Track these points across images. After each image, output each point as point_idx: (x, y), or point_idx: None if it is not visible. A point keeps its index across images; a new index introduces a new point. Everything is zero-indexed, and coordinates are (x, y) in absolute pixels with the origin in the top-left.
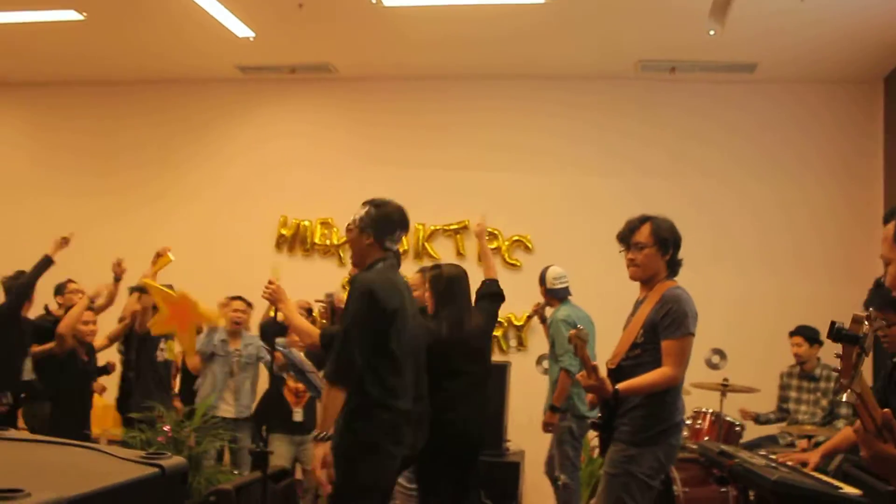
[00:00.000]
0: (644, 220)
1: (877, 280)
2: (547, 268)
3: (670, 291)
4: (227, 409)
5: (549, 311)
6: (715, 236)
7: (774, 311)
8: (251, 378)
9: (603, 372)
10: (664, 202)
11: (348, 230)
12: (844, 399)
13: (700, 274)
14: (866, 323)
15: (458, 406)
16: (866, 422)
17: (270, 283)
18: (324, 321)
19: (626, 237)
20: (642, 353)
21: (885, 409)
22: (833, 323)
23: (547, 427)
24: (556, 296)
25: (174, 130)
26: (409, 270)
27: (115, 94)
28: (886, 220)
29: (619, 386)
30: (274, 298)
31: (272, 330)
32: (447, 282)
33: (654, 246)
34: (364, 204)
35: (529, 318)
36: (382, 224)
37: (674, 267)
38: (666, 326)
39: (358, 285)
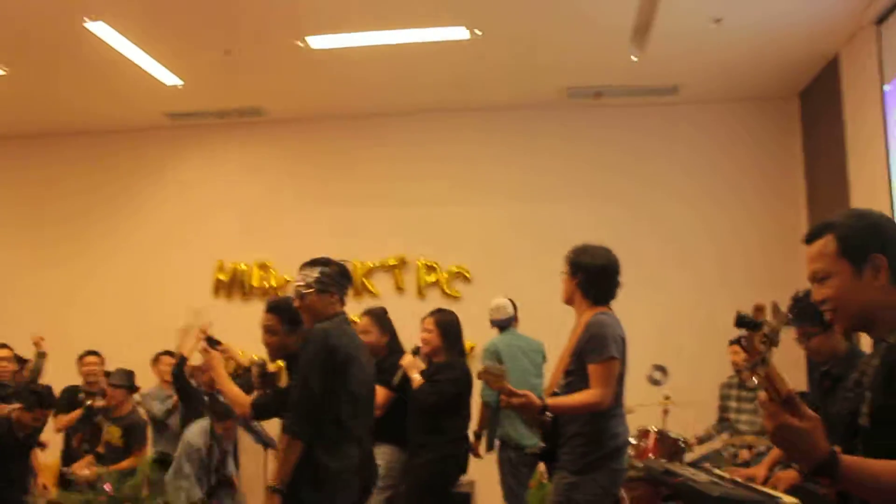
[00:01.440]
0: (573, 249)
1: (795, 294)
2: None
3: (594, 318)
4: None
5: None
6: (643, 258)
7: (702, 331)
8: None
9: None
10: (598, 227)
11: (302, 296)
12: (752, 385)
13: (631, 297)
14: (770, 312)
15: (465, 437)
16: (772, 395)
17: (202, 332)
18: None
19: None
20: (575, 379)
21: (791, 388)
22: (737, 312)
23: (472, 452)
24: (498, 325)
25: (104, 180)
26: (351, 308)
27: (41, 146)
28: (815, 237)
29: (549, 401)
30: (208, 366)
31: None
32: (456, 324)
33: (567, 272)
34: (311, 265)
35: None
36: (343, 281)
37: (594, 293)
38: (590, 351)
39: (312, 335)
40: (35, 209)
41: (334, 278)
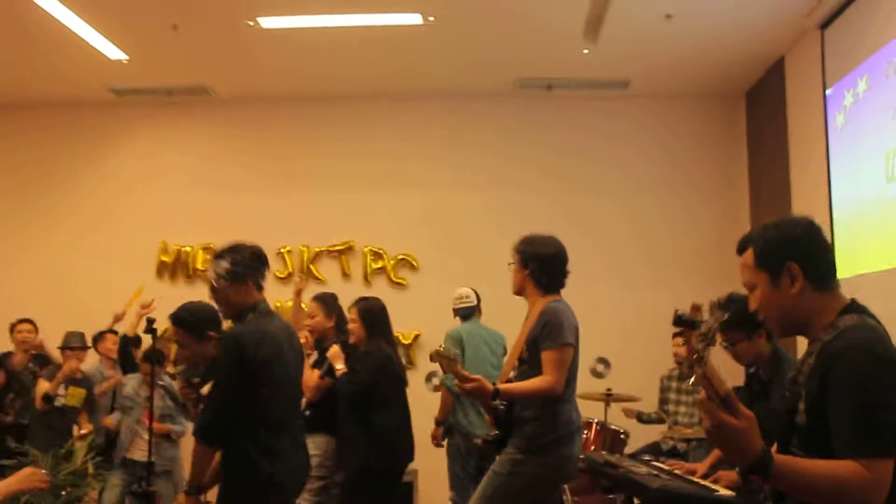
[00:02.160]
0: (521, 239)
1: (729, 297)
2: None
3: (548, 305)
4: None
5: None
6: (595, 248)
7: (657, 318)
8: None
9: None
10: (546, 218)
11: (213, 288)
12: (691, 383)
13: (584, 285)
14: (707, 311)
15: (402, 428)
16: (710, 394)
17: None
18: None
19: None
20: (529, 368)
21: (729, 388)
22: (675, 311)
23: (433, 440)
24: (460, 314)
25: (44, 156)
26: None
27: None
28: (741, 249)
29: (500, 386)
30: None
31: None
32: (379, 311)
33: (517, 262)
34: (220, 255)
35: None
36: (255, 265)
37: (545, 283)
38: (544, 338)
39: (225, 342)
40: None
41: (246, 265)
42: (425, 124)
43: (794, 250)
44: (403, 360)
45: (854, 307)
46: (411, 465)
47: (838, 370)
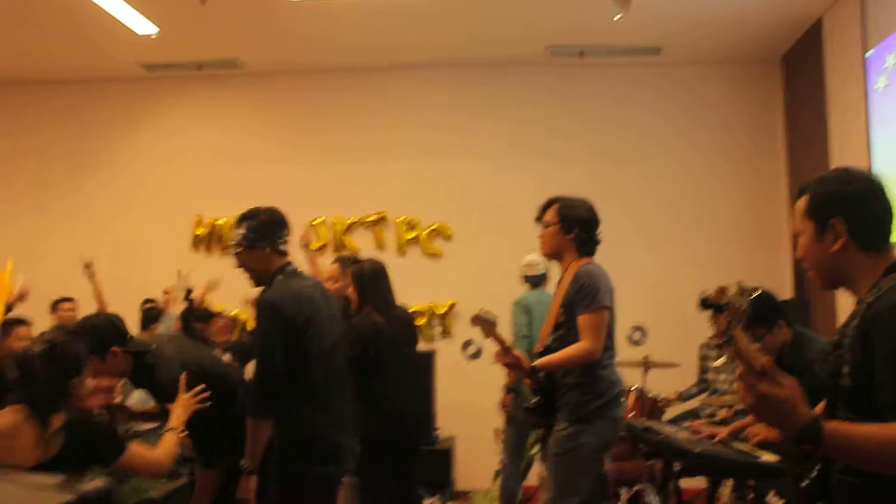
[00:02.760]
0: (553, 201)
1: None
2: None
3: (583, 268)
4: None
5: None
6: (630, 215)
7: (691, 285)
8: None
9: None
10: (579, 186)
11: (236, 254)
12: (716, 364)
13: (618, 253)
14: (732, 293)
15: (396, 394)
16: (746, 368)
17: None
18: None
19: (539, 217)
20: (565, 332)
21: (767, 360)
22: (701, 294)
23: (503, 407)
24: (531, 282)
25: (77, 132)
26: (328, 262)
27: (10, 95)
28: (798, 195)
29: (537, 362)
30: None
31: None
32: (371, 273)
33: (557, 224)
34: (239, 222)
35: None
36: (270, 229)
37: (584, 246)
38: (580, 301)
39: (261, 306)
40: (4, 162)
41: (262, 231)
42: (456, 94)
43: (842, 207)
44: (438, 330)
45: None
46: (449, 433)
47: (881, 330)
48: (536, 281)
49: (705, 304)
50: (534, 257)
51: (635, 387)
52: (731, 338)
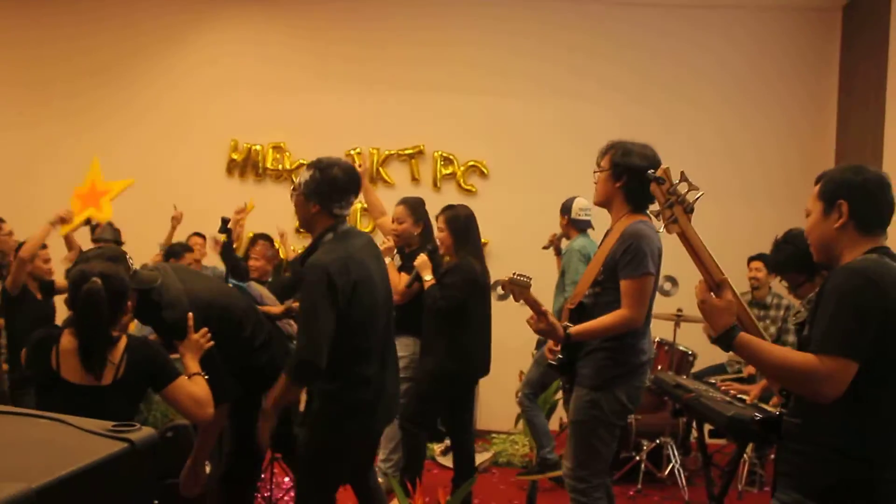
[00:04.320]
0: (611, 146)
1: (786, 234)
2: (572, 198)
3: (632, 226)
4: None
5: (564, 243)
6: (684, 157)
7: (732, 235)
8: None
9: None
10: (623, 127)
11: (293, 194)
12: (662, 231)
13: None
14: (676, 174)
15: (482, 342)
16: (706, 278)
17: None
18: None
19: (597, 160)
20: (602, 291)
21: (725, 277)
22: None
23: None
24: (578, 227)
25: (115, 54)
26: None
27: (42, 9)
28: (816, 182)
29: (572, 330)
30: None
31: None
32: (466, 220)
33: (608, 170)
34: (309, 166)
35: (545, 248)
36: (328, 190)
37: (636, 197)
38: (625, 265)
39: (312, 273)
40: (42, 86)
41: (318, 187)
42: (503, 25)
43: (849, 193)
44: None
45: (880, 249)
46: None
47: (828, 285)
48: (585, 227)
49: (648, 177)
50: (585, 201)
51: (663, 339)
52: (674, 217)
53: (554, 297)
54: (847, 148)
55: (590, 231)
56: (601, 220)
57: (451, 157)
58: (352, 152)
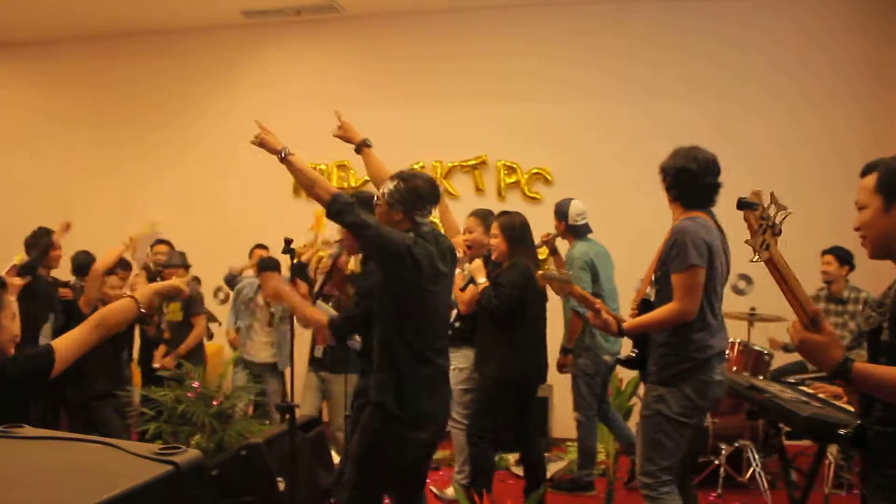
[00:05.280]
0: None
1: None
2: (568, 201)
3: (680, 223)
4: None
5: (560, 244)
6: (737, 158)
7: (801, 235)
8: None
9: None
10: (681, 127)
11: (377, 205)
12: (754, 260)
13: (723, 197)
14: (767, 197)
15: (539, 344)
16: (798, 314)
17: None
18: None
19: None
20: (661, 287)
21: (817, 308)
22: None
23: (560, 368)
24: (575, 232)
25: (178, 79)
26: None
27: (114, 46)
28: (866, 173)
29: (626, 324)
30: (276, 295)
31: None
32: (521, 225)
33: (661, 174)
34: (392, 177)
35: (537, 247)
36: (411, 199)
37: (686, 196)
38: (672, 259)
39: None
40: (108, 110)
41: (401, 196)
42: (555, 33)
43: None
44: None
45: None
46: (546, 381)
47: None
48: (583, 231)
49: (740, 203)
50: (582, 206)
51: (739, 340)
52: (765, 242)
53: (563, 306)
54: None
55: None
56: (598, 224)
57: (514, 165)
58: (415, 167)
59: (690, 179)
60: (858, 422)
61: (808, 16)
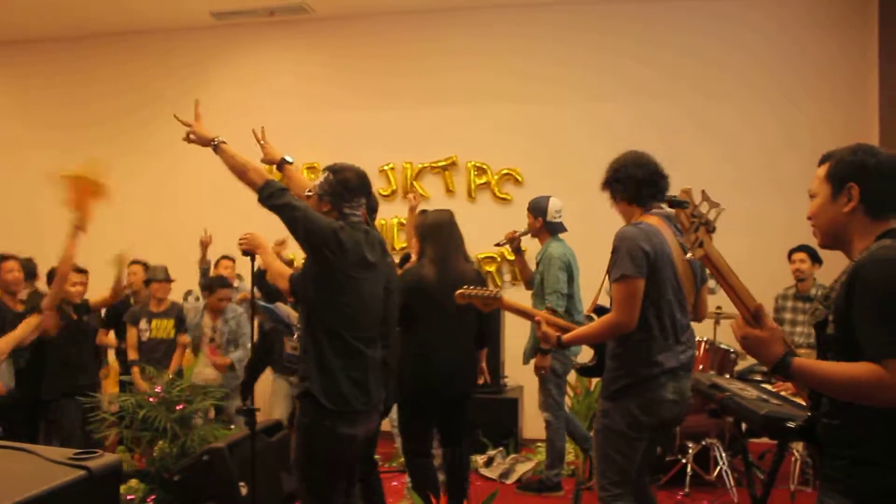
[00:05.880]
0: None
1: None
2: (546, 198)
3: (621, 230)
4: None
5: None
6: (717, 155)
7: (774, 232)
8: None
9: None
10: (662, 124)
11: (307, 197)
12: (688, 257)
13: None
14: (698, 195)
15: (438, 348)
16: (740, 309)
17: (245, 234)
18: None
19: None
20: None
21: (759, 303)
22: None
23: (538, 370)
24: (551, 229)
25: (149, 80)
26: (399, 210)
27: (87, 48)
28: (822, 162)
29: (564, 337)
30: (252, 246)
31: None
32: (430, 226)
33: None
34: (324, 170)
35: (499, 245)
36: (339, 190)
37: (637, 198)
38: (611, 268)
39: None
40: (81, 112)
41: (330, 187)
42: (531, 31)
43: (860, 175)
44: (508, 277)
45: (892, 233)
46: (516, 382)
47: (861, 282)
48: (560, 229)
49: (671, 202)
50: (559, 202)
51: (706, 339)
52: (699, 240)
53: (533, 304)
54: (890, 138)
55: (563, 235)
56: (574, 224)
57: (484, 166)
58: (385, 168)
59: (621, 183)
60: (808, 415)
61: (774, 21)
